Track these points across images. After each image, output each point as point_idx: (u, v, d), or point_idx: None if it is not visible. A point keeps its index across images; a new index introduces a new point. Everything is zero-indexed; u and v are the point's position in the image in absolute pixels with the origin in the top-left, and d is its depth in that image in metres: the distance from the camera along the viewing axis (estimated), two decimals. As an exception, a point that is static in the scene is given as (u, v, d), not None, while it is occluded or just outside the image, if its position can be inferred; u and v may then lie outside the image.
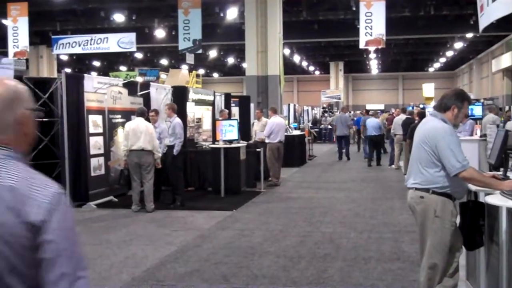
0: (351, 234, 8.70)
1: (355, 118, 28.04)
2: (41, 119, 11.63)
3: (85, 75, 12.41)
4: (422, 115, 13.18)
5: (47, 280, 1.76)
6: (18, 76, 12.61)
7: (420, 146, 4.70)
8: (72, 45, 22.30)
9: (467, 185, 4.74)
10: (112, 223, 9.89)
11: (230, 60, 44.60)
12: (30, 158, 11.17)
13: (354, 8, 24.32)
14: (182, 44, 20.43)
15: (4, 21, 24.25)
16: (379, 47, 20.36)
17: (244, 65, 26.18)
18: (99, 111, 11.94)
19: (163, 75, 32.43)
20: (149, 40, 30.28)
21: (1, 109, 1.84)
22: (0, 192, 1.75)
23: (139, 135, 10.58)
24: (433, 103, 33.69)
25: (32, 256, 1.75)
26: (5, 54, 22.24)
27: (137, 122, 10.79)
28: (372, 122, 19.67)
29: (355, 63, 52.79)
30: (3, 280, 1.75)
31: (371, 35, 19.27)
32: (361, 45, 19.80)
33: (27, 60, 29.30)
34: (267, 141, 14.33)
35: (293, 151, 19.12)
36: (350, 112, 36.07)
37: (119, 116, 12.50)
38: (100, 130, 11.95)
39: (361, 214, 10.43)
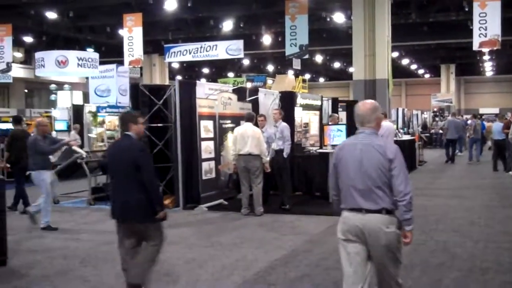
0: (467, 243, 8.35)
1: (469, 122, 27.10)
2: (156, 125, 12.16)
3: (197, 82, 12.76)
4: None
5: (396, 184, 4.12)
6: (134, 84, 13.16)
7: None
8: (183, 53, 23.07)
9: None
10: (222, 225, 10.11)
11: (336, 65, 44.30)
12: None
13: (466, 9, 23.37)
14: (289, 50, 20.53)
15: (120, 31, 25.57)
16: (494, 48, 19.39)
17: (351, 69, 25.95)
18: (210, 117, 12.25)
19: (269, 81, 32.84)
20: (256, 47, 30.72)
21: (371, 112, 4.32)
22: (377, 148, 4.18)
23: (246, 139, 10.74)
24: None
25: (388, 174, 4.13)
26: (121, 63, 23.39)
27: (245, 127, 10.96)
28: (497, 126, 19.19)
29: (467, 66, 50.73)
30: (381, 187, 4.13)
31: (485, 36, 18.41)
32: (475, 47, 18.96)
33: (141, 68, 30.75)
34: (376, 146, 14.05)
35: (403, 156, 18.62)
36: (462, 116, 34.73)
37: (229, 121, 12.75)
38: (211, 135, 12.26)
39: (476, 223, 9.99)
